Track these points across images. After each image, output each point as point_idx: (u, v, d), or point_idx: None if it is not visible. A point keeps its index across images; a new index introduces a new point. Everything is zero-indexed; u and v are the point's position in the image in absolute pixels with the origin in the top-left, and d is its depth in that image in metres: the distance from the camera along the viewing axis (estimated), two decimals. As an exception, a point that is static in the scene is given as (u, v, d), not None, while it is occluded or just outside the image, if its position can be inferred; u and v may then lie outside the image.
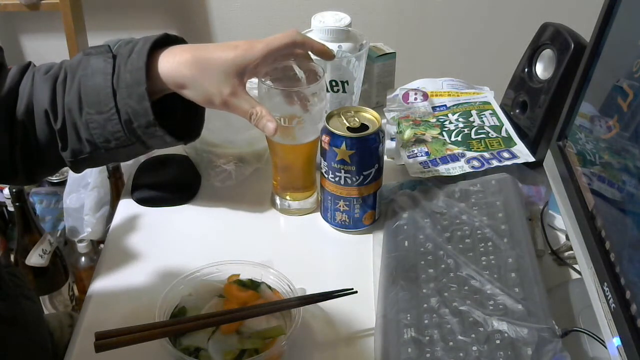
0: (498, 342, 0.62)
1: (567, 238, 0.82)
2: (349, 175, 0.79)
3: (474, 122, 0.96)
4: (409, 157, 0.91)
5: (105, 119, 0.71)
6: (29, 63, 0.76)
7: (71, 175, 1.42)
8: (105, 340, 0.61)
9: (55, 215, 1.52)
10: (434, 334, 0.64)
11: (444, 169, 0.88)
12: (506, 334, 0.63)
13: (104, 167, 1.34)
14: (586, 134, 0.70)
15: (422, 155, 0.91)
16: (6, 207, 1.49)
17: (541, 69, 0.94)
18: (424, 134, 0.94)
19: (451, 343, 0.63)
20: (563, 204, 0.71)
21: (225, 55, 0.72)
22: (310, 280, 0.73)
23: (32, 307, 0.81)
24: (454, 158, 0.89)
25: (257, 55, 0.73)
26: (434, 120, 0.98)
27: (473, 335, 0.63)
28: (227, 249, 0.81)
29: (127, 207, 0.89)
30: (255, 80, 0.79)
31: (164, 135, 0.73)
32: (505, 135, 0.92)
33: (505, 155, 0.89)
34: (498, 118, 0.96)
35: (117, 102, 0.70)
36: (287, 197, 0.87)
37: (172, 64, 0.72)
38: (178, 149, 0.96)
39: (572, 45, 0.88)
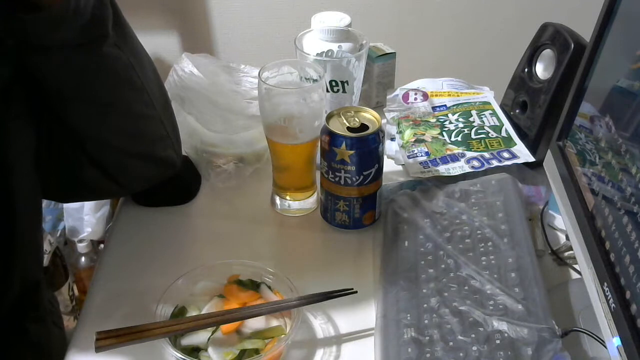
0: (498, 342, 0.62)
1: (567, 238, 0.82)
2: (349, 175, 0.79)
3: (474, 122, 0.96)
4: (409, 157, 0.91)
5: None
6: None
7: (71, 175, 1.42)
8: (105, 340, 0.61)
9: (55, 215, 1.52)
10: (434, 334, 0.64)
11: (444, 169, 0.88)
12: (506, 334, 0.63)
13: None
14: (586, 134, 0.70)
15: (422, 155, 0.91)
16: (6, 207, 1.49)
17: (541, 69, 0.94)
18: (424, 134, 0.94)
19: (451, 343, 0.63)
20: (563, 204, 0.71)
21: None
22: (310, 280, 0.73)
23: (59, 335, 0.81)
24: (454, 158, 0.89)
25: None
26: (434, 120, 0.98)
27: (473, 335, 0.63)
28: (227, 249, 0.81)
29: (127, 207, 0.89)
30: (255, 80, 0.79)
31: None
32: (505, 135, 0.92)
33: (505, 155, 0.89)
34: (498, 118, 0.96)
35: None
36: (287, 197, 0.87)
37: None
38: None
39: (572, 45, 0.88)
